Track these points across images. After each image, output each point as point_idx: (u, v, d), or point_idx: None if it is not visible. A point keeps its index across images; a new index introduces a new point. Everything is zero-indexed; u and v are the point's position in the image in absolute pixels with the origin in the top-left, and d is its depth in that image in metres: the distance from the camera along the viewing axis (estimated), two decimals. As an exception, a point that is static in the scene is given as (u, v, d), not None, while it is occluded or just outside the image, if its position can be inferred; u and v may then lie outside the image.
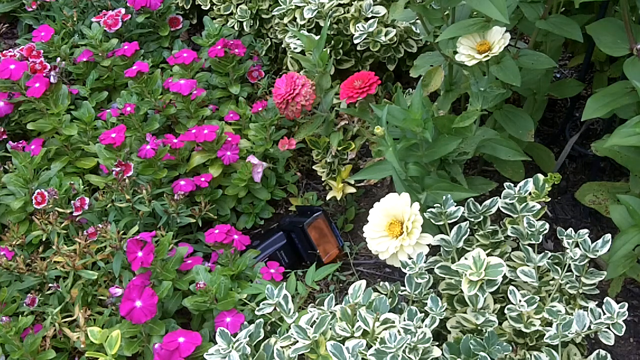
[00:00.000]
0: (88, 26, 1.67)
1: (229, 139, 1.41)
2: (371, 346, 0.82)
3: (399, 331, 0.84)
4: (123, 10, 1.69)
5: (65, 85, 1.53)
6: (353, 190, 1.40)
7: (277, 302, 0.95)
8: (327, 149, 1.39)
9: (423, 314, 0.87)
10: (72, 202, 1.28)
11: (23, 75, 1.47)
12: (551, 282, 0.98)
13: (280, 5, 1.58)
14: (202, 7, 1.79)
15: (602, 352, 0.89)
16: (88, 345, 1.06)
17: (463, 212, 0.99)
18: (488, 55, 0.98)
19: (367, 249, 1.37)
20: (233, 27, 1.73)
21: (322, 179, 1.42)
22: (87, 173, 1.44)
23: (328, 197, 1.42)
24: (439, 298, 0.90)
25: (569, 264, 0.95)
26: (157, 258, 1.11)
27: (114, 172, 1.30)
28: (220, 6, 1.75)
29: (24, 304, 1.13)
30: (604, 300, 0.88)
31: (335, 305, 0.95)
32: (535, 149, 1.31)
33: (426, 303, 0.90)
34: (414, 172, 1.07)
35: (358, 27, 1.48)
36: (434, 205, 0.98)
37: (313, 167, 1.44)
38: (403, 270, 0.93)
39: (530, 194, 0.99)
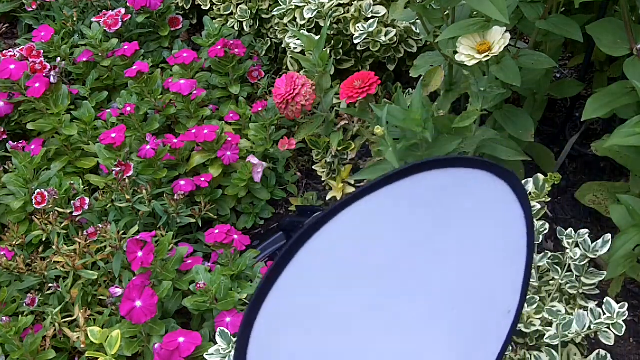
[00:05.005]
0: (88, 26, 1.67)
1: (229, 139, 1.41)
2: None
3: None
4: (123, 10, 1.69)
5: (65, 85, 1.53)
6: (353, 190, 1.40)
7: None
8: (327, 149, 1.39)
9: (423, 314, 0.87)
10: (72, 202, 1.28)
11: (23, 75, 1.46)
12: (551, 282, 0.98)
13: (280, 5, 1.58)
14: (202, 7, 1.79)
15: (602, 352, 0.89)
16: (88, 345, 1.06)
17: (463, 212, 0.98)
18: (488, 55, 0.98)
19: (367, 249, 1.37)
20: (233, 27, 1.73)
21: (322, 179, 1.42)
22: (87, 173, 1.44)
23: (328, 197, 1.42)
24: (439, 298, 0.90)
25: (569, 264, 0.95)
26: (157, 258, 1.11)
27: (114, 172, 1.30)
28: (220, 6, 1.75)
29: (24, 304, 1.13)
30: (604, 300, 0.88)
31: (335, 305, 0.95)
32: (535, 149, 1.31)
33: (426, 303, 0.90)
34: (414, 172, 1.07)
35: (358, 27, 1.48)
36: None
37: (313, 167, 1.44)
38: (403, 270, 0.93)
39: (530, 194, 0.99)
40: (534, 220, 0.96)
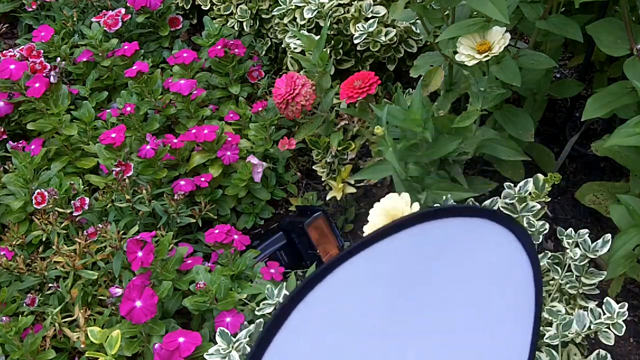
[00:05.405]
0: (88, 26, 1.67)
1: (229, 139, 1.41)
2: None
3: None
4: (123, 10, 1.69)
5: (65, 85, 1.53)
6: (353, 190, 1.40)
7: (277, 302, 0.95)
8: (327, 149, 1.39)
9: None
10: (72, 202, 1.28)
11: (23, 75, 1.46)
12: (551, 282, 0.98)
13: (280, 5, 1.58)
14: (202, 7, 1.79)
15: (602, 352, 0.89)
16: (88, 345, 1.06)
17: (463, 212, 0.98)
18: (488, 55, 0.98)
19: (367, 249, 1.36)
20: (233, 27, 1.73)
21: (322, 179, 1.42)
22: (87, 173, 1.44)
23: (328, 197, 1.42)
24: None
25: (569, 264, 0.95)
26: (157, 258, 1.11)
27: (114, 172, 1.30)
28: (220, 6, 1.75)
29: (24, 304, 1.13)
30: (604, 300, 0.88)
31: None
32: (535, 149, 1.31)
33: (426, 303, 0.90)
34: (414, 172, 1.07)
35: (358, 27, 1.48)
36: (434, 206, 0.98)
37: (313, 167, 1.44)
38: (403, 270, 0.93)
39: (530, 194, 0.99)
40: (541, 272, 0.96)
